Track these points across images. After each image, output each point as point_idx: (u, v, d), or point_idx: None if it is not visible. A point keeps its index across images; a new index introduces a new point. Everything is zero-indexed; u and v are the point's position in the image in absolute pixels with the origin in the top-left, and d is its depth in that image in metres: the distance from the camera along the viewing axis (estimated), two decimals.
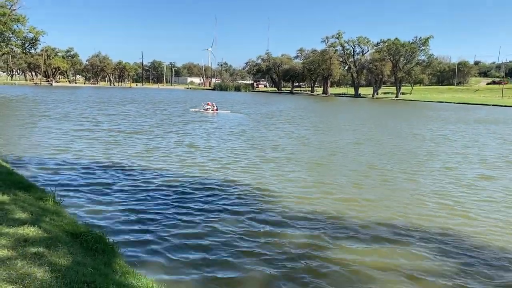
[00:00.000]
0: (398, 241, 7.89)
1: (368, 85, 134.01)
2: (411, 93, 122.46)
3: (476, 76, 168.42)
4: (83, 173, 12.22)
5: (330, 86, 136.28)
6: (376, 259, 7.05)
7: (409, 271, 6.66)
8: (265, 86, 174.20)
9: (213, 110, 39.75)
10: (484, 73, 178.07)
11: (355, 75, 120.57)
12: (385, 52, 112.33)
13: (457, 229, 8.65)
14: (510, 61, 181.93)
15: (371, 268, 6.70)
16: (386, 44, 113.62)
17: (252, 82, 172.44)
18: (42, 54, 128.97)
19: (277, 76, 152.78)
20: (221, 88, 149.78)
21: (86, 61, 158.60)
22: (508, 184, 13.07)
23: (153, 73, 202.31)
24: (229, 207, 9.45)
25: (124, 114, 33.60)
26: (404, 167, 15.09)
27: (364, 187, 12.03)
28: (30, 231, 5.69)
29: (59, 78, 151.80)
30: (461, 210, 10.08)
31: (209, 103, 41.42)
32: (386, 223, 8.82)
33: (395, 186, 12.29)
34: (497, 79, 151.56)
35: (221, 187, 11.19)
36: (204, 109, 40.13)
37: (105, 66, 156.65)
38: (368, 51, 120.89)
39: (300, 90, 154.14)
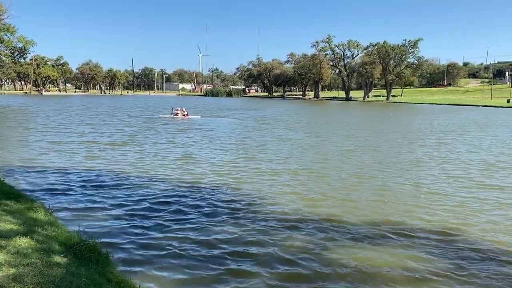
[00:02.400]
0: (397, 243, 7.90)
1: (359, 88, 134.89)
2: (401, 95, 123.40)
3: (465, 78, 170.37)
4: (73, 182, 12.08)
5: (321, 90, 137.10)
6: (376, 261, 7.03)
7: (408, 272, 6.66)
8: (257, 91, 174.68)
9: (184, 115, 39.72)
10: (473, 74, 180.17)
11: (345, 78, 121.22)
12: (375, 55, 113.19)
13: (456, 231, 8.67)
14: (498, 62, 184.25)
15: (371, 269, 6.69)
16: (376, 47, 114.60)
17: (244, 87, 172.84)
18: (32, 63, 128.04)
19: (269, 81, 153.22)
20: (212, 94, 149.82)
21: (76, 69, 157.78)
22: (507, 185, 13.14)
23: (144, 80, 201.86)
24: (222, 216, 9.34)
25: (111, 123, 33.06)
26: (401, 172, 15.11)
27: (360, 192, 12.05)
28: (22, 242, 5.61)
29: (49, 87, 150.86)
30: (461, 213, 10.10)
31: (179, 108, 41.33)
32: (383, 227, 8.83)
33: (393, 191, 12.31)
34: (443, 82, 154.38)
35: (214, 196, 11.09)
36: (174, 115, 39.92)
37: (95, 74, 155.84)
38: (358, 54, 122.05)
39: (292, 95, 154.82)
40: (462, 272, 6.71)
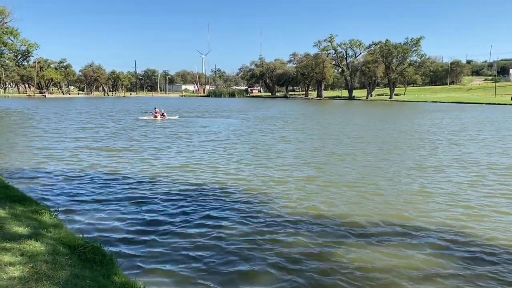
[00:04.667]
0: (402, 242, 7.89)
1: (361, 87, 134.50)
2: (404, 94, 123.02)
3: (468, 75, 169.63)
4: (76, 185, 12.15)
5: (324, 89, 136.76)
6: (380, 260, 7.03)
7: (412, 270, 6.66)
8: (260, 91, 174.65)
9: (162, 116, 40.16)
10: (476, 72, 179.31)
11: (348, 77, 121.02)
12: (377, 54, 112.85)
13: (462, 229, 8.65)
14: (502, 59, 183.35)
15: (375, 268, 6.69)
16: (378, 46, 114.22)
17: (247, 87, 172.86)
18: (35, 66, 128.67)
19: (271, 81, 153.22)
20: (215, 94, 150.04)
21: (80, 71, 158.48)
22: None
23: (147, 82, 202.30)
24: (228, 218, 9.35)
25: (108, 126, 33.11)
26: (410, 172, 15.07)
27: (370, 195, 12.04)
28: (27, 244, 5.65)
29: (52, 90, 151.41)
30: (466, 211, 10.07)
31: (157, 110, 41.69)
32: (388, 226, 8.82)
33: (398, 190, 12.29)
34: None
35: (218, 198, 11.14)
36: (153, 116, 40.31)
37: (98, 76, 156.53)
38: (360, 53, 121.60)
39: (295, 94, 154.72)
40: (468, 274, 6.69)
